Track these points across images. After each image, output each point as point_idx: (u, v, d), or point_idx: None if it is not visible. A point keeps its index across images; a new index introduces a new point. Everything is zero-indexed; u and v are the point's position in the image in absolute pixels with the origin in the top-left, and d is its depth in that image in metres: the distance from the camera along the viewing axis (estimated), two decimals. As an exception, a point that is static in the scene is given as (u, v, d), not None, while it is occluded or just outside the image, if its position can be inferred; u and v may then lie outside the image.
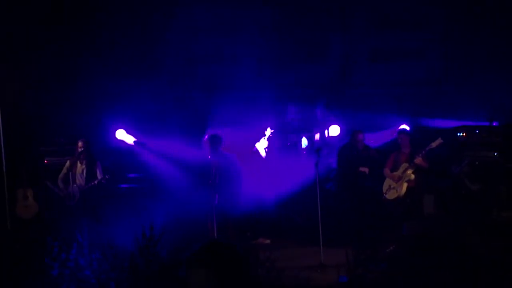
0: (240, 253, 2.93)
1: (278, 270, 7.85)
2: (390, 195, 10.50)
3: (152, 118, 12.47)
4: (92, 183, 10.66)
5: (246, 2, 13.24)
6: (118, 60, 12.69)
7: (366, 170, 11.11)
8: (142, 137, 12.47)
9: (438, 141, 10.16)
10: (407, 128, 11.87)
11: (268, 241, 11.20)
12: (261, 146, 11.75)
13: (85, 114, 12.04)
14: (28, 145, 11.89)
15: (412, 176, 10.31)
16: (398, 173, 10.46)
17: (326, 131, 12.42)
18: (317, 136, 12.46)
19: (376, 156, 11.16)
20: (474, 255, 8.07)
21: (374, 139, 12.08)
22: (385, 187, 10.62)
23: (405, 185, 10.35)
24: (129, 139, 12.47)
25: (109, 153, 12.22)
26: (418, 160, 10.20)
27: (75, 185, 10.65)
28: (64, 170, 10.84)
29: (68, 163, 10.92)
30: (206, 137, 11.69)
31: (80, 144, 10.77)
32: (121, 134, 12.43)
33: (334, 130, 12.32)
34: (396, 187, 10.43)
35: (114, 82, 12.42)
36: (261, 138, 11.70)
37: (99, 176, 10.75)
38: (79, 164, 10.80)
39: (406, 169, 10.35)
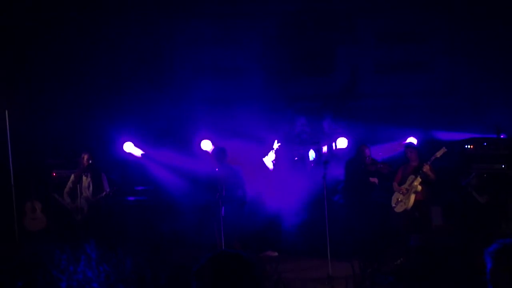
0: (250, 263, 2.91)
1: (285, 283, 7.85)
2: (398, 208, 10.47)
3: (159, 131, 12.51)
4: (100, 196, 10.64)
5: (253, 14, 13.30)
6: (126, 73, 12.75)
7: (375, 180, 11.09)
8: (150, 150, 12.49)
9: (442, 150, 10.15)
10: (415, 141, 11.85)
11: (275, 254, 11.18)
12: (269, 158, 11.77)
13: (92, 126, 12.08)
14: (36, 158, 11.92)
15: (419, 188, 10.27)
16: (405, 185, 10.43)
17: (333, 144, 12.40)
18: (325, 148, 12.45)
19: (385, 170, 11.11)
20: (482, 267, 8.03)
21: (381, 151, 12.06)
22: (393, 201, 10.59)
23: (412, 197, 10.31)
24: (137, 152, 12.50)
25: (117, 165, 12.25)
26: (426, 168, 10.17)
27: (82, 198, 10.62)
28: (70, 184, 10.78)
29: (72, 177, 10.84)
30: (212, 149, 11.72)
31: (84, 157, 10.76)
32: (129, 147, 12.46)
33: (341, 143, 12.29)
34: (403, 199, 10.40)
35: (121, 94, 12.48)
36: (268, 151, 11.72)
37: (106, 188, 10.73)
38: (84, 177, 10.77)
39: (413, 181, 10.33)
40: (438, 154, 10.18)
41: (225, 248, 9.62)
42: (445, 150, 10.17)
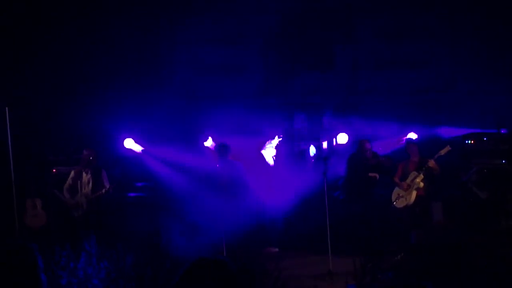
0: (232, 270, 2.84)
1: (285, 279, 7.86)
2: (399, 204, 10.48)
3: (160, 127, 12.50)
4: (99, 193, 10.62)
5: (253, 11, 13.30)
6: (126, 69, 12.77)
7: (376, 175, 11.08)
8: (150, 146, 12.50)
9: (447, 148, 10.17)
10: (415, 136, 11.85)
11: (276, 249, 11.19)
12: (269, 154, 11.76)
13: (93, 123, 12.08)
14: (36, 154, 11.93)
15: (421, 184, 10.29)
16: (407, 181, 10.44)
17: (334, 139, 12.41)
18: (325, 144, 12.46)
19: (386, 163, 11.12)
20: (482, 263, 8.04)
21: (382, 147, 12.07)
22: (394, 196, 10.61)
23: (414, 193, 10.32)
24: (137, 148, 12.50)
25: (117, 162, 12.26)
26: (431, 163, 10.18)
27: (82, 194, 10.61)
28: (69, 181, 10.75)
29: (72, 173, 10.81)
30: (214, 145, 11.73)
31: (86, 153, 10.75)
32: (129, 143, 12.46)
33: (342, 138, 12.30)
34: (405, 195, 10.41)
35: (122, 91, 12.49)
36: (268, 145, 11.72)
37: (106, 185, 10.70)
38: (84, 174, 10.75)
39: (415, 177, 10.34)
40: (443, 152, 10.19)
41: (225, 245, 9.63)
42: (450, 148, 10.19)
